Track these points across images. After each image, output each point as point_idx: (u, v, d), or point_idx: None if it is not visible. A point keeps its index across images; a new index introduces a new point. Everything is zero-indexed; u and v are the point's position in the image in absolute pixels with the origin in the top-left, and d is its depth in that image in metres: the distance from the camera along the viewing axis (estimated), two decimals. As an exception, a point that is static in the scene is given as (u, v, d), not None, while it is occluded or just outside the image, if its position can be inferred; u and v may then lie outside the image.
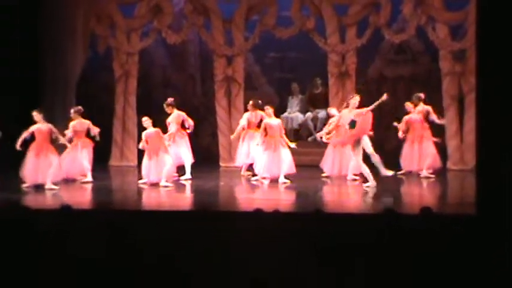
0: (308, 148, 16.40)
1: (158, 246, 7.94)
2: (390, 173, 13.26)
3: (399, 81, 18.24)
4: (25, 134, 13.33)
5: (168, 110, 14.58)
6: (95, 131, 14.38)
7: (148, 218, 9.47)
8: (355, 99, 13.39)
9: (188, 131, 14.59)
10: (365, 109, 13.31)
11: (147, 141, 13.68)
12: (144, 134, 13.69)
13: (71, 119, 14.48)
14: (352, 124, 13.46)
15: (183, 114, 14.65)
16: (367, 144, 13.15)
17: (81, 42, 17.04)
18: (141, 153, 14.56)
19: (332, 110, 15.04)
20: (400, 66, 18.29)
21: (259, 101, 15.10)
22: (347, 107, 13.59)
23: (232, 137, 15.21)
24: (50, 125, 13.47)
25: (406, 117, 14.92)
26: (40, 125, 13.39)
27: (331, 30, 17.09)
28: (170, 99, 14.68)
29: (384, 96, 13.32)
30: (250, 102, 15.17)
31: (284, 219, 8.36)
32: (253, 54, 18.44)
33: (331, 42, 17.06)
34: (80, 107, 14.47)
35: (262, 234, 7.85)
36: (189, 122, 14.64)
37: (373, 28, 16.91)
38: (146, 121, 13.72)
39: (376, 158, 13.16)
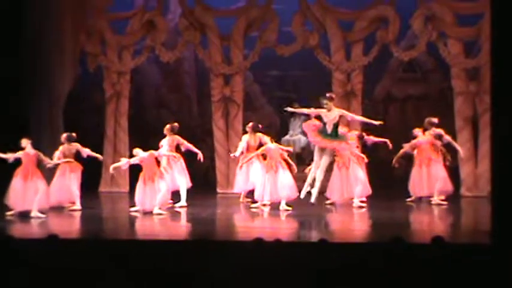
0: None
1: (151, 278, 7.92)
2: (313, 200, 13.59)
3: (408, 101, 18.29)
4: (10, 156, 13.31)
5: (167, 133, 14.61)
6: (85, 152, 14.39)
7: (141, 248, 9.46)
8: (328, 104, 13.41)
9: (200, 157, 14.55)
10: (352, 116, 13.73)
11: (141, 166, 13.69)
12: (137, 158, 13.65)
13: (60, 143, 14.49)
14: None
15: (177, 137, 14.68)
16: (323, 166, 13.48)
17: (70, 59, 17.04)
18: (133, 179, 14.55)
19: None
20: (409, 85, 18.35)
21: (259, 125, 15.15)
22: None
23: (234, 155, 15.08)
24: (38, 152, 13.50)
25: (413, 141, 14.93)
26: (27, 150, 13.41)
27: (336, 47, 17.14)
28: (176, 125, 14.70)
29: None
30: (250, 124, 15.20)
31: (286, 249, 8.37)
32: (253, 73, 18.50)
33: (335, 60, 17.12)
34: (73, 134, 14.46)
35: (263, 265, 7.83)
36: (186, 145, 14.64)
37: (380, 45, 16.97)
38: (137, 154, 13.75)
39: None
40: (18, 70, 15.84)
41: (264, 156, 14.39)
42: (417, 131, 15.04)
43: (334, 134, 13.27)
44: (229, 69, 17.35)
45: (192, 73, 19.33)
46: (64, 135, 14.57)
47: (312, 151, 17.54)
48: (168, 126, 14.70)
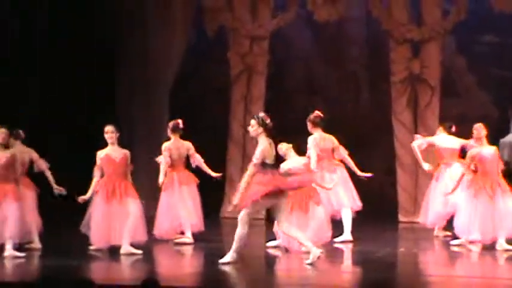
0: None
1: None
2: None
3: None
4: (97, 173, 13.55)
5: (311, 128, 14.54)
6: (198, 159, 14.51)
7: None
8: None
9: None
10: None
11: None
12: (287, 166, 13.61)
13: (166, 138, 14.68)
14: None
15: (332, 138, 14.62)
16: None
17: (180, 21, 17.40)
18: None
19: None
20: None
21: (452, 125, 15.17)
22: None
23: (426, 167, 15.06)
24: (126, 152, 13.65)
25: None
26: (110, 150, 13.53)
27: None
28: (317, 114, 14.58)
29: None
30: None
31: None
32: (456, 39, 18.37)
33: None
34: (178, 121, 14.58)
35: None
36: (341, 152, 14.56)
37: None
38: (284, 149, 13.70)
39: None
40: (104, 37, 16.29)
41: (474, 166, 14.09)
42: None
43: None
44: (419, 33, 17.41)
45: (362, 40, 19.35)
46: (170, 124, 14.62)
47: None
48: (308, 121, 14.52)
